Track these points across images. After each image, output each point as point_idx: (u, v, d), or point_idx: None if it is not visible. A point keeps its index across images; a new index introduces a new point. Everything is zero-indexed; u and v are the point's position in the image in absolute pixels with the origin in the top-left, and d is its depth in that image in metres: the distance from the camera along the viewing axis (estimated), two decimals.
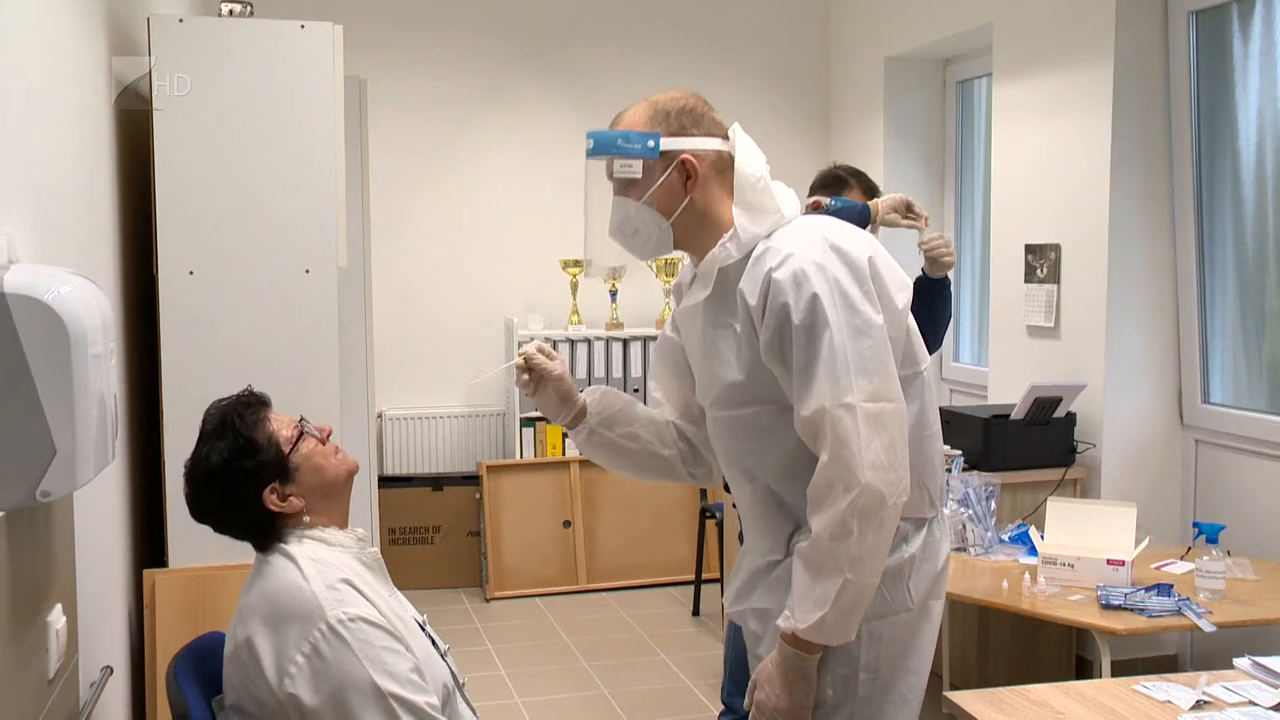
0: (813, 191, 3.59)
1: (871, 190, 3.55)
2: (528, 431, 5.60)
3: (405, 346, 5.71)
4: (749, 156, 1.92)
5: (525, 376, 2.11)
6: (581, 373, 5.61)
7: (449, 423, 5.74)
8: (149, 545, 3.06)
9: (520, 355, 2.10)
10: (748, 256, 1.89)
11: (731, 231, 1.90)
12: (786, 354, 1.81)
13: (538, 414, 5.58)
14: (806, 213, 3.50)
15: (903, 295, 1.89)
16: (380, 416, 5.59)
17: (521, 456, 5.57)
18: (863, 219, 3.28)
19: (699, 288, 1.95)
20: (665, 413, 2.18)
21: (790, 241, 1.85)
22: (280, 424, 1.97)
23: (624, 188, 1.92)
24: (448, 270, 5.80)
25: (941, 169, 5.63)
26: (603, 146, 1.92)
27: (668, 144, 1.88)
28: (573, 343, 5.59)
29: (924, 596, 1.95)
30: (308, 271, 2.98)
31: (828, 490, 1.77)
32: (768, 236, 1.89)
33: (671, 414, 2.18)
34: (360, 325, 3.83)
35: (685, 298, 2.00)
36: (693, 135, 1.90)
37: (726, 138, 1.94)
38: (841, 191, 3.54)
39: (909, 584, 1.91)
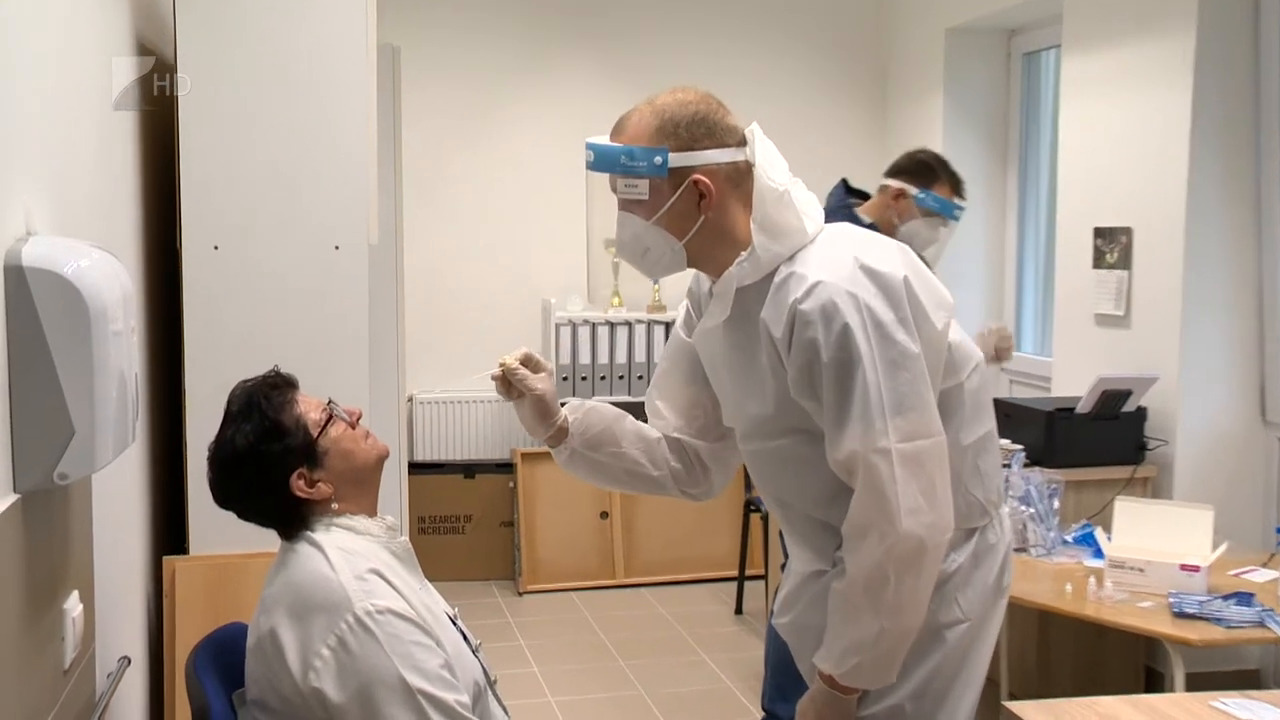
0: (898, 174, 3.53)
1: (956, 185, 3.52)
2: None
3: (437, 327, 5.71)
4: (769, 165, 1.85)
5: (502, 387, 2.05)
6: (622, 357, 5.59)
7: (482, 407, 5.74)
8: (169, 531, 3.07)
9: (500, 365, 2.03)
10: (769, 278, 1.82)
11: (749, 250, 1.83)
12: (816, 390, 1.77)
13: (578, 400, 5.57)
14: (891, 200, 3.51)
15: (942, 314, 1.83)
16: (411, 400, 5.60)
17: None
18: None
19: (717, 308, 1.89)
20: (665, 426, 2.11)
21: (817, 265, 1.79)
22: (308, 406, 1.97)
23: (630, 204, 1.86)
24: (483, 248, 5.80)
25: (1004, 147, 5.55)
26: (605, 162, 1.85)
27: (677, 160, 1.80)
28: (613, 325, 5.57)
29: (981, 606, 1.92)
30: (337, 248, 2.98)
31: (863, 534, 1.75)
32: (790, 258, 1.82)
33: (673, 426, 2.11)
34: (391, 304, 3.83)
35: (704, 318, 1.94)
36: (705, 148, 1.81)
37: (743, 143, 1.86)
38: (931, 185, 3.50)
39: (958, 596, 1.89)
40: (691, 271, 1.99)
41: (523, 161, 5.79)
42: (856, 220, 3.47)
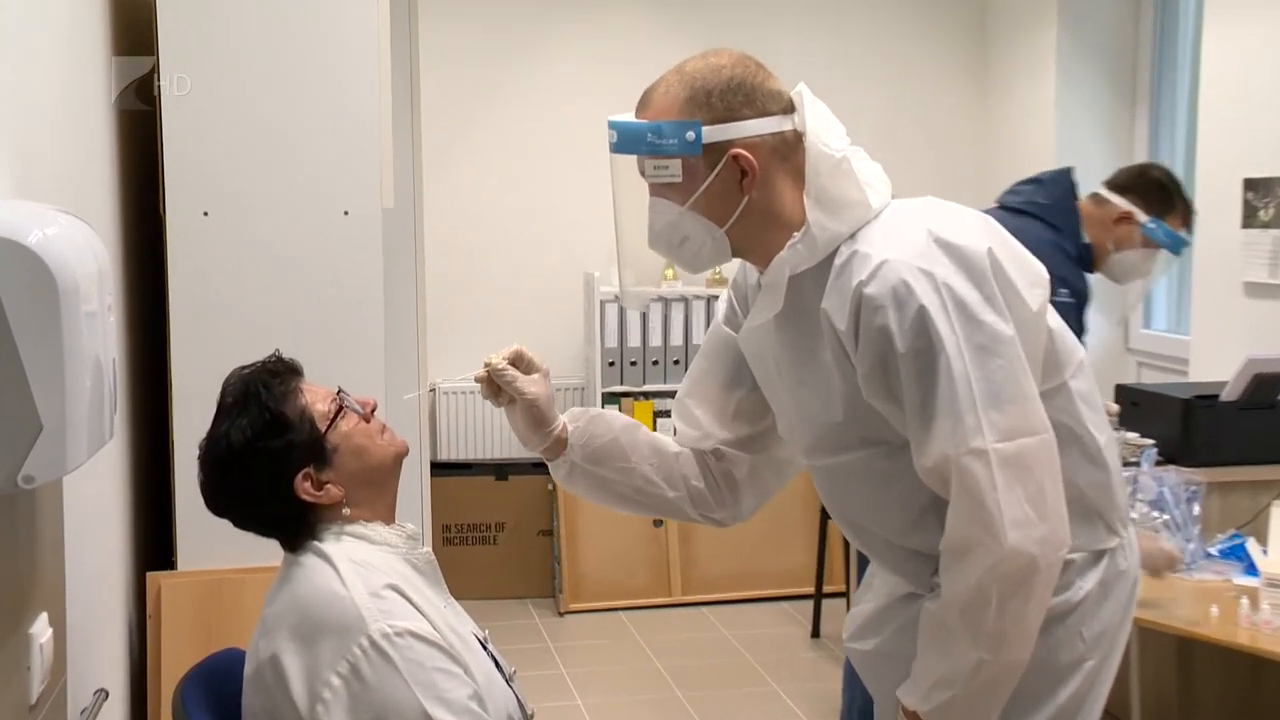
0: (1125, 192, 3.48)
1: (1188, 216, 3.48)
2: (611, 408, 5.56)
3: (464, 305, 5.73)
4: (823, 130, 1.84)
5: (488, 390, 2.04)
6: (678, 339, 5.57)
7: None
8: (153, 543, 3.09)
9: (485, 365, 2.03)
10: (828, 261, 1.82)
11: (804, 229, 1.82)
12: (894, 388, 1.76)
13: (626, 388, 5.57)
14: (1113, 223, 3.45)
15: (1037, 292, 1.82)
16: (434, 390, 5.62)
17: None
18: None
19: (767, 300, 1.88)
20: (698, 438, 2.12)
21: (883, 242, 1.78)
22: (315, 397, 1.98)
23: (662, 189, 1.86)
24: (516, 212, 5.80)
25: (1132, 87, 5.48)
26: (630, 142, 1.85)
27: (712, 134, 1.81)
28: (667, 302, 5.56)
29: (1107, 641, 1.92)
30: (346, 213, 2.98)
31: (963, 552, 1.74)
32: (852, 236, 1.81)
33: (710, 437, 2.11)
34: (409, 278, 3.83)
35: (752, 313, 1.94)
36: (744, 118, 1.81)
37: (789, 109, 1.85)
38: (1165, 214, 3.46)
39: (1082, 631, 1.88)
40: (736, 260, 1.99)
41: (561, 113, 5.78)
42: (1077, 235, 3.42)
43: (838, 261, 1.80)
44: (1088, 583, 1.89)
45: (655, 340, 5.58)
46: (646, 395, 5.61)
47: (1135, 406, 4.11)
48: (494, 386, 2.03)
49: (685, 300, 5.59)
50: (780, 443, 2.11)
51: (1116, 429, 3.71)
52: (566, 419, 2.09)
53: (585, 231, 5.79)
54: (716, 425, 2.12)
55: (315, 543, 1.92)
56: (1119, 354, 5.41)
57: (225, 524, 1.98)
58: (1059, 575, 1.80)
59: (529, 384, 2.03)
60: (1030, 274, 1.83)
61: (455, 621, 1.96)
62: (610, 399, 5.59)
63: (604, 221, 5.87)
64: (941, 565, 1.78)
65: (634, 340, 5.56)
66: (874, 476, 1.88)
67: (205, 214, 2.93)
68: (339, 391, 2.00)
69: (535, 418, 2.05)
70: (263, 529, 1.97)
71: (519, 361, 2.03)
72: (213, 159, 2.92)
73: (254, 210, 2.95)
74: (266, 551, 1.99)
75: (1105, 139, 5.43)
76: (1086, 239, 3.45)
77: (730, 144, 1.81)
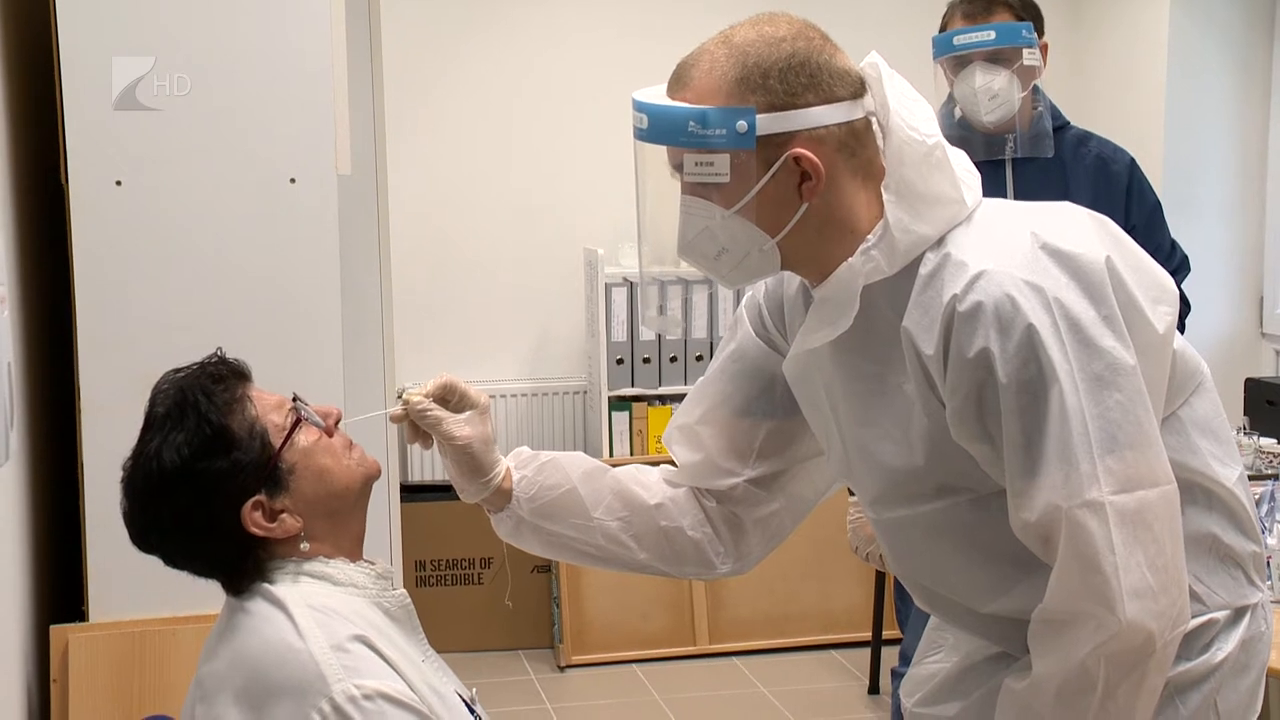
0: None
1: (963, 7, 3.47)
2: (620, 416, 5.59)
3: (438, 293, 5.73)
4: (908, 110, 1.83)
5: (410, 433, 2.05)
6: (701, 330, 5.57)
7: (503, 405, 5.76)
8: (59, 588, 3.10)
9: (401, 403, 2.03)
10: (909, 271, 1.82)
11: (879, 231, 1.82)
12: (990, 427, 1.77)
13: (638, 391, 5.57)
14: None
15: (1162, 310, 1.83)
16: (402, 396, 5.62)
17: (612, 454, 5.57)
18: None
19: (826, 319, 1.88)
20: (708, 476, 2.12)
21: (980, 248, 1.79)
22: (266, 406, 1.98)
23: (700, 188, 1.85)
24: (499, 181, 5.80)
25: (1267, 71, 5.44)
26: (664, 131, 1.83)
27: (768, 124, 1.79)
28: (688, 284, 5.55)
29: (1240, 714, 1.93)
30: (293, 181, 3.00)
31: (1066, 624, 1.75)
32: (939, 241, 1.82)
33: (729, 476, 2.11)
34: (371, 260, 3.84)
35: (802, 334, 1.93)
36: (807, 105, 1.80)
37: (859, 92, 1.84)
38: (943, 29, 3.46)
39: (1218, 701, 1.90)
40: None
41: (557, 61, 5.78)
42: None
43: (923, 271, 1.81)
44: (1229, 643, 1.90)
45: (672, 332, 5.57)
46: (663, 399, 5.61)
47: (1271, 405, 4.11)
48: (417, 428, 2.04)
49: (709, 284, 5.58)
50: (809, 478, 2.14)
51: (1248, 433, 3.72)
52: (512, 464, 2.09)
53: (587, 200, 5.80)
54: (736, 461, 2.12)
55: (265, 585, 1.92)
56: (1251, 340, 5.38)
57: (150, 563, 1.97)
58: (1200, 637, 1.85)
59: (459, 426, 2.03)
60: (1154, 287, 1.84)
61: (435, 679, 1.96)
62: (619, 404, 5.58)
63: (609, 188, 5.88)
64: (1034, 638, 1.79)
65: (646, 334, 5.55)
66: (955, 532, 1.89)
67: (118, 183, 2.93)
68: (294, 399, 2.00)
69: (470, 465, 2.05)
70: (201, 568, 1.96)
71: (449, 395, 2.03)
72: (126, 115, 2.93)
73: (179, 178, 2.95)
74: (202, 596, 2.00)
75: (1233, 79, 5.40)
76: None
77: (790, 137, 1.80)
